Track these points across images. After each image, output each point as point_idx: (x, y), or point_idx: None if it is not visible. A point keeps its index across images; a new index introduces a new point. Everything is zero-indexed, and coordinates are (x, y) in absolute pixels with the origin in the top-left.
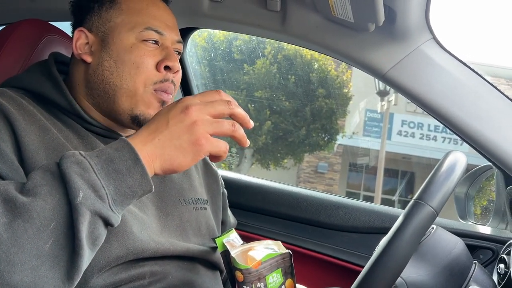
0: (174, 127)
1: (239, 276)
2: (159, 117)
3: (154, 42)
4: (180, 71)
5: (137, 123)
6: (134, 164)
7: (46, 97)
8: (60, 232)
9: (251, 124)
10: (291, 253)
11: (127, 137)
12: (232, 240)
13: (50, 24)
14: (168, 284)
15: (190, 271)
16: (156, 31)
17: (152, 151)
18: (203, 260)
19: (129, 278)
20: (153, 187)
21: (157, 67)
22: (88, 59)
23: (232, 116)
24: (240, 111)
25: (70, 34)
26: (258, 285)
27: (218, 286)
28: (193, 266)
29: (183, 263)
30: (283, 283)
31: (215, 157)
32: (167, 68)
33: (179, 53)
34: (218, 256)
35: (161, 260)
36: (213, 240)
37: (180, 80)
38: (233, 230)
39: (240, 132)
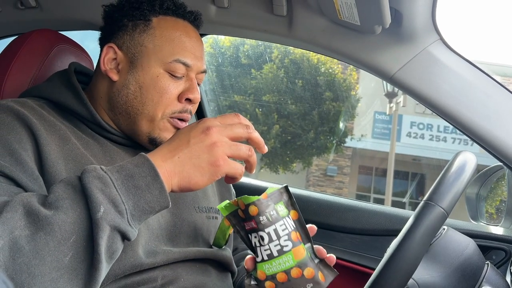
0: (194, 146)
1: (253, 210)
2: (181, 135)
3: (180, 74)
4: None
5: (154, 144)
6: (154, 180)
7: (66, 106)
8: (79, 245)
9: (266, 149)
10: (287, 186)
11: (147, 152)
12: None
13: (60, 33)
14: (180, 286)
15: (202, 273)
16: (184, 64)
17: (171, 168)
18: (214, 262)
19: (142, 281)
20: (170, 203)
21: (178, 97)
22: (115, 77)
23: (249, 140)
24: (257, 135)
25: (80, 42)
26: (272, 212)
27: (229, 287)
28: (205, 268)
29: (195, 266)
30: (288, 214)
31: (230, 179)
32: (188, 99)
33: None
34: (229, 256)
35: (173, 264)
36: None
37: (197, 107)
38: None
39: (254, 157)
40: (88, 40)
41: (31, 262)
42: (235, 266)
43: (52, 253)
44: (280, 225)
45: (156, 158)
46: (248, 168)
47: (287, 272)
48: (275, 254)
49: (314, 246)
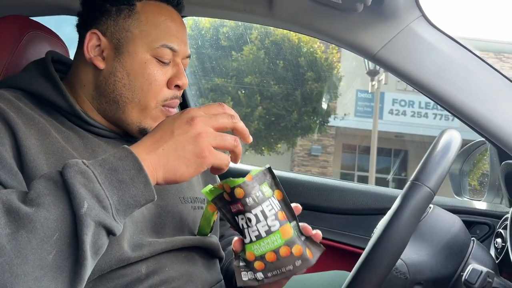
0: (179, 138)
1: (239, 192)
2: (164, 126)
3: (167, 60)
4: None
5: (144, 134)
6: (138, 174)
7: (45, 98)
8: (63, 242)
9: (251, 139)
10: (269, 166)
11: (129, 144)
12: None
13: (31, 19)
14: (166, 276)
15: (188, 262)
16: (171, 49)
17: (155, 160)
18: (201, 249)
19: (126, 274)
20: (156, 196)
21: (167, 84)
22: (101, 65)
23: (234, 130)
24: (242, 125)
25: (55, 30)
26: (257, 194)
27: (216, 274)
28: (191, 257)
29: (181, 255)
30: (273, 194)
31: (216, 169)
32: (177, 86)
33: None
34: (216, 243)
35: (158, 255)
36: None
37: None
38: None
39: (240, 148)
40: (63, 26)
41: (13, 262)
42: (222, 252)
43: (34, 251)
44: (266, 206)
45: (140, 151)
46: (233, 158)
47: (275, 251)
48: (263, 234)
49: (299, 224)
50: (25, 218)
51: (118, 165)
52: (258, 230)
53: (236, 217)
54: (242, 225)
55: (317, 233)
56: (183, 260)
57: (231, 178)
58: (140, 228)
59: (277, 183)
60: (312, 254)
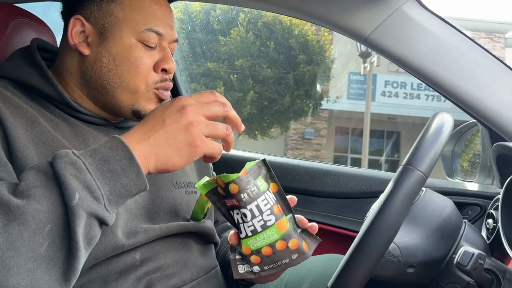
0: (170, 127)
1: (234, 188)
2: (155, 115)
3: (153, 44)
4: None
5: (138, 116)
6: (129, 163)
7: (32, 86)
8: (55, 234)
9: (243, 128)
10: (265, 159)
11: (121, 132)
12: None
13: (16, 6)
14: (161, 263)
15: (182, 248)
16: (157, 32)
17: (147, 150)
18: (196, 235)
19: (120, 261)
20: (148, 185)
21: (154, 68)
22: (86, 51)
23: (225, 119)
24: (234, 114)
25: (41, 17)
26: (252, 189)
27: (211, 260)
28: (186, 242)
29: (176, 241)
30: (268, 187)
31: (209, 158)
32: (164, 70)
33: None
34: (211, 228)
35: (153, 242)
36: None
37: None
38: (205, 177)
39: (232, 136)
40: (51, 12)
41: (5, 254)
42: (217, 237)
43: (27, 243)
44: (261, 201)
45: (131, 140)
46: (225, 147)
47: (272, 245)
48: (259, 229)
49: (295, 216)
50: (16, 210)
51: (109, 155)
52: (253, 225)
53: (231, 212)
54: (238, 219)
55: (313, 225)
56: (177, 247)
57: (225, 174)
58: (134, 215)
59: (272, 175)
60: (309, 247)
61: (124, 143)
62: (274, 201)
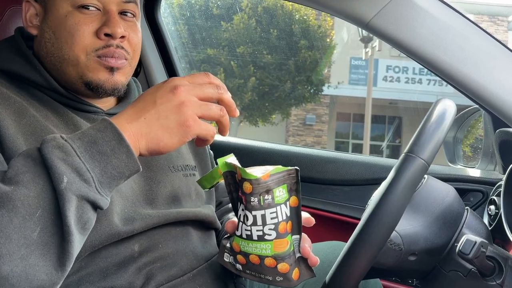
0: (161, 107)
1: (247, 187)
2: (146, 96)
3: (93, 7)
4: (132, 35)
5: (92, 89)
6: (119, 144)
7: (19, 74)
8: (47, 219)
9: (237, 113)
10: (298, 169)
11: (111, 115)
12: (233, 161)
13: None
14: (160, 253)
15: (182, 237)
16: None
17: (137, 129)
18: (196, 222)
19: (119, 252)
20: (140, 167)
21: (97, 34)
22: (34, 31)
23: (219, 101)
24: (228, 97)
25: None
26: (266, 197)
27: (212, 247)
28: (186, 231)
29: (175, 229)
30: (288, 199)
31: (202, 141)
32: (108, 35)
33: (133, 15)
34: (211, 215)
35: (151, 231)
36: (215, 161)
37: (137, 44)
38: (232, 154)
39: (227, 118)
40: None
41: None
42: (218, 223)
43: (18, 230)
44: (270, 213)
45: (121, 121)
46: (221, 130)
47: (261, 257)
48: (254, 238)
49: (300, 244)
50: (4, 197)
51: (98, 136)
52: (251, 231)
53: (238, 202)
54: (240, 215)
55: (315, 258)
56: (177, 236)
57: (245, 170)
58: (132, 201)
59: (297, 189)
60: (299, 277)
61: (112, 124)
62: (284, 218)
